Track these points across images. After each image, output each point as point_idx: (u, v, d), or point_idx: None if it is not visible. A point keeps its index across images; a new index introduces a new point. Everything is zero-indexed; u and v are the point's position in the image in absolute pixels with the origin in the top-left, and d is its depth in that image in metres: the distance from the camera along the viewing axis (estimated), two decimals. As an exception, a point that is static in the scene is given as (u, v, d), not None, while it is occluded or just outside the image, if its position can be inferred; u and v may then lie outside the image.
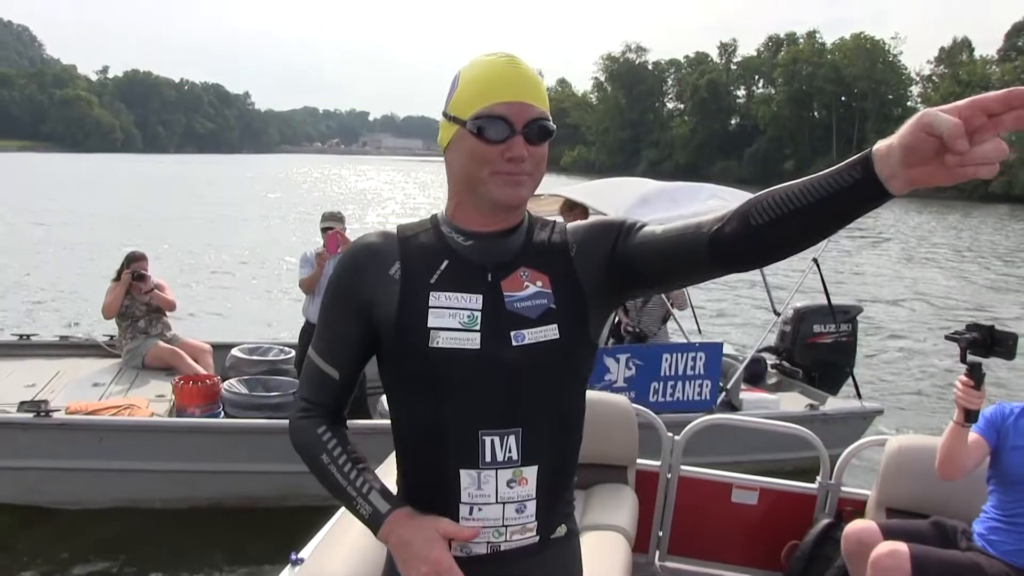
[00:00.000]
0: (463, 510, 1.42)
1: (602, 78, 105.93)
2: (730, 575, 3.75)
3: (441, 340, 1.40)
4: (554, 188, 6.90)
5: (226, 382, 5.45)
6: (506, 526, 1.44)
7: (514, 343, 1.40)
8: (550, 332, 1.41)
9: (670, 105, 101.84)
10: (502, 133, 1.35)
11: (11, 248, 17.67)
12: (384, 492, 1.46)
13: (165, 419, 5.16)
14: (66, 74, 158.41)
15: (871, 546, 2.88)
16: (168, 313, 6.50)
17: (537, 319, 1.42)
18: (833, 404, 6.22)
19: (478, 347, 1.40)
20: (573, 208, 6.66)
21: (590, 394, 3.45)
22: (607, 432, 3.47)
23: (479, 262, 1.45)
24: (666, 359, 5.76)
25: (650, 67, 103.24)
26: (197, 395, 5.27)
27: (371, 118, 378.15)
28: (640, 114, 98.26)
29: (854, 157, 1.14)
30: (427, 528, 1.41)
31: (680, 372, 5.79)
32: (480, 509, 1.42)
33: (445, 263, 1.45)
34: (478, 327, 1.41)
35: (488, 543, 1.44)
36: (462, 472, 1.41)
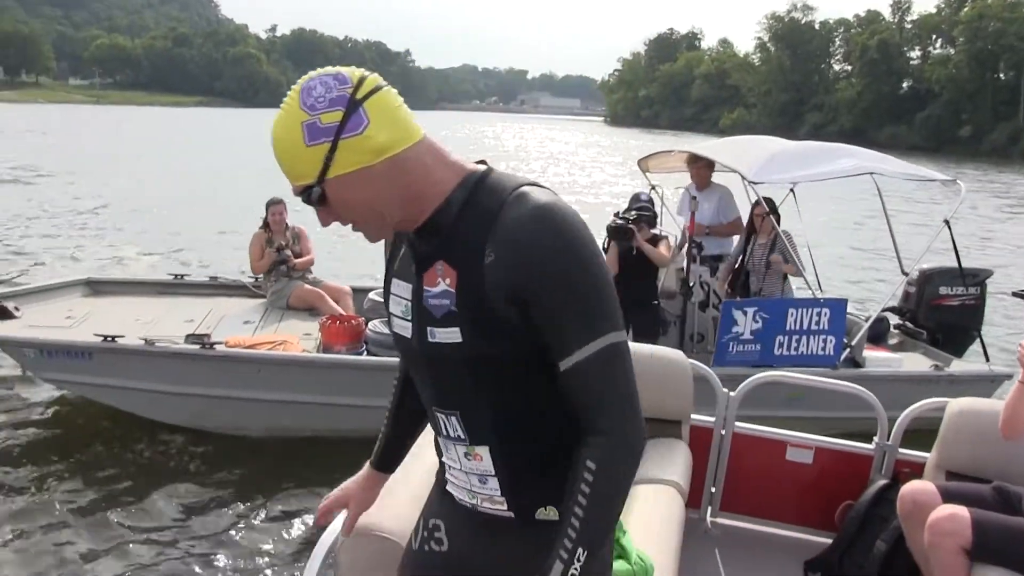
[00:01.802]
0: (445, 466, 1.61)
1: (765, 38, 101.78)
2: (782, 533, 3.72)
3: (395, 325, 1.51)
4: (700, 148, 7.02)
5: (370, 323, 5.77)
6: (473, 491, 1.54)
7: (430, 339, 1.41)
8: (453, 335, 1.38)
9: (836, 67, 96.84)
10: None
11: (176, 197, 18.81)
12: (377, 450, 1.83)
13: (317, 355, 5.56)
14: (238, 33, 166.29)
15: (928, 508, 2.82)
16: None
17: (440, 319, 1.39)
18: (958, 366, 6.20)
19: (410, 336, 1.45)
20: (696, 161, 6.82)
21: (645, 348, 3.73)
22: (662, 386, 3.44)
23: (415, 251, 1.44)
24: (792, 314, 5.87)
25: (817, 26, 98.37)
26: (343, 334, 5.61)
27: (529, 76, 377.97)
28: (804, 76, 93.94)
29: None
30: (347, 487, 1.83)
31: (805, 327, 5.89)
32: (452, 470, 1.57)
33: (403, 249, 1.50)
34: (411, 317, 1.45)
35: (471, 500, 1.56)
36: (438, 437, 1.58)
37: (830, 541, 3.47)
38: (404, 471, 1.90)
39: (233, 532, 4.54)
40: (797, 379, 3.83)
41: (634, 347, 3.69)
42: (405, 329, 1.46)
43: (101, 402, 5.84)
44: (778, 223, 6.29)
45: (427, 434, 1.71)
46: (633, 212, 6.04)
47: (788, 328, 5.89)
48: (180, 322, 6.10)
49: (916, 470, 3.41)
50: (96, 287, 6.97)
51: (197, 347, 5.41)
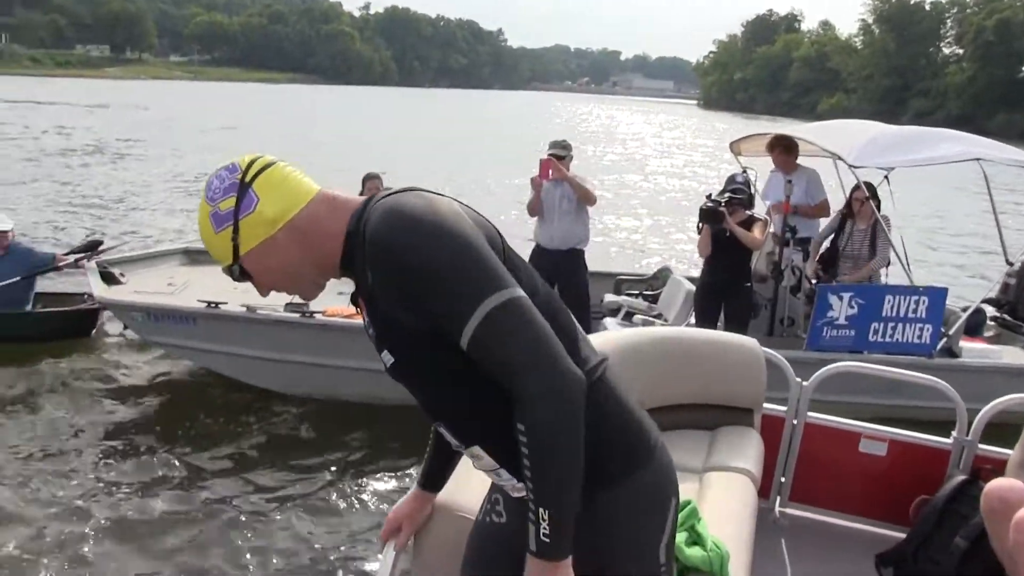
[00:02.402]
0: None
1: (870, 20, 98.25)
2: (853, 525, 3.65)
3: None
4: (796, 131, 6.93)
5: None
6: (500, 483, 1.65)
7: (386, 366, 1.55)
8: (387, 357, 1.52)
9: (946, 50, 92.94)
10: None
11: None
12: (423, 471, 1.98)
13: None
14: (332, 11, 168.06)
15: (1016, 506, 2.68)
16: None
17: (377, 346, 1.53)
18: None
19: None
20: (775, 147, 6.64)
21: (718, 335, 3.72)
22: (734, 374, 3.42)
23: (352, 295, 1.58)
24: (888, 300, 5.80)
25: (927, 7, 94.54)
26: None
27: (622, 58, 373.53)
28: (910, 59, 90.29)
29: None
30: (399, 509, 2.00)
31: (901, 314, 5.80)
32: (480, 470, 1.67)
33: None
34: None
35: (503, 487, 1.67)
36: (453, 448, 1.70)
37: (903, 536, 3.38)
38: None
39: (321, 498, 4.70)
40: (872, 370, 3.76)
41: (707, 334, 3.73)
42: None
43: (203, 366, 6.09)
44: (878, 209, 6.16)
45: None
46: (726, 194, 6.00)
47: (884, 315, 5.79)
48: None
49: (997, 467, 3.27)
50: (193, 256, 7.21)
51: (297, 315, 5.55)
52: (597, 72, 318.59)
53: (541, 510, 1.36)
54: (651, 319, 6.49)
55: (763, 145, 7.26)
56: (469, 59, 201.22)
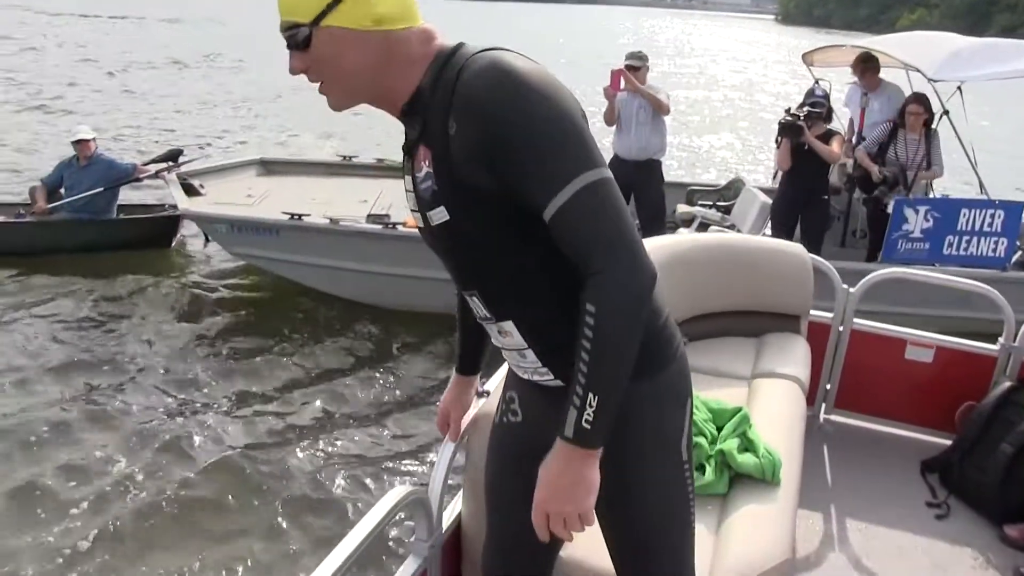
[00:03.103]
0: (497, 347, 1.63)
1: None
2: (899, 432, 3.65)
3: (415, 220, 1.52)
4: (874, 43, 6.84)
5: None
6: (521, 366, 1.57)
7: (431, 223, 1.43)
8: (442, 214, 1.40)
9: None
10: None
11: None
12: (457, 356, 1.89)
13: None
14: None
15: None
16: None
17: (430, 201, 1.41)
18: None
19: (423, 226, 1.48)
20: (866, 63, 6.56)
21: (765, 241, 3.73)
22: (781, 281, 3.40)
23: (406, 140, 1.47)
24: (964, 214, 5.86)
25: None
26: None
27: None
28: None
29: None
30: (445, 400, 1.94)
31: (976, 228, 5.88)
32: (502, 350, 1.61)
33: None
34: (416, 208, 1.47)
35: (525, 374, 1.60)
36: (478, 320, 1.61)
37: (948, 443, 3.38)
38: None
39: (394, 411, 4.91)
40: (918, 275, 3.75)
41: (753, 240, 3.74)
42: (419, 220, 1.48)
43: (285, 277, 6.26)
44: (931, 123, 6.11)
45: None
46: (805, 108, 6.05)
47: (959, 228, 5.87)
48: (355, 202, 6.29)
49: None
50: (269, 166, 7.37)
51: (379, 227, 5.66)
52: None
53: (590, 395, 1.29)
54: (725, 229, 6.59)
55: (836, 56, 7.19)
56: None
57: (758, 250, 3.49)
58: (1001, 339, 3.40)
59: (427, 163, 1.38)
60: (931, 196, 6.38)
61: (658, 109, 6.34)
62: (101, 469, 4.14)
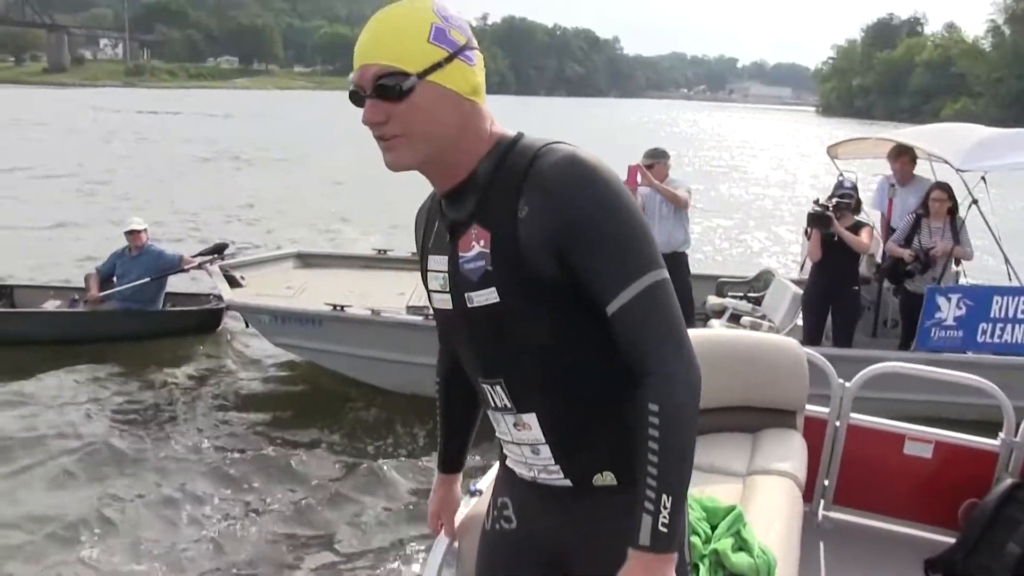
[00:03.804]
0: (500, 442, 1.60)
1: (1000, 20, 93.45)
2: (899, 530, 3.54)
3: (435, 301, 1.51)
4: (897, 135, 6.91)
5: None
6: (529, 463, 1.52)
7: (468, 305, 1.41)
8: (490, 296, 1.38)
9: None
10: (359, 103, 1.34)
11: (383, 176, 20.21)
12: (440, 455, 1.86)
13: None
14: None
15: None
16: None
17: (477, 282, 1.39)
18: None
19: (451, 308, 1.46)
20: (901, 155, 6.61)
21: (758, 336, 3.68)
22: (776, 376, 3.34)
23: (447, 221, 1.45)
24: (996, 301, 5.82)
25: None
26: None
27: (739, 65, 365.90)
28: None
29: None
30: (433, 501, 1.90)
31: (1010, 315, 5.82)
32: (507, 445, 1.56)
33: (436, 224, 1.50)
34: (448, 289, 1.45)
35: (529, 473, 1.55)
36: (488, 411, 1.56)
37: (951, 540, 3.30)
38: None
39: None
40: (913, 370, 3.65)
41: (747, 335, 3.71)
42: (445, 302, 1.47)
43: (327, 367, 6.33)
44: (956, 210, 6.10)
45: None
46: (834, 199, 6.13)
47: (992, 316, 5.83)
48: (392, 294, 6.29)
49: None
50: (306, 259, 7.50)
51: (420, 318, 5.68)
52: (713, 80, 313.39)
53: (664, 497, 1.27)
54: (758, 320, 6.61)
55: (860, 149, 7.25)
56: (585, 68, 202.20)
57: (752, 345, 3.49)
58: (1002, 434, 3.34)
59: (482, 243, 1.38)
60: (962, 283, 6.34)
61: (675, 204, 6.43)
62: (136, 556, 4.15)
